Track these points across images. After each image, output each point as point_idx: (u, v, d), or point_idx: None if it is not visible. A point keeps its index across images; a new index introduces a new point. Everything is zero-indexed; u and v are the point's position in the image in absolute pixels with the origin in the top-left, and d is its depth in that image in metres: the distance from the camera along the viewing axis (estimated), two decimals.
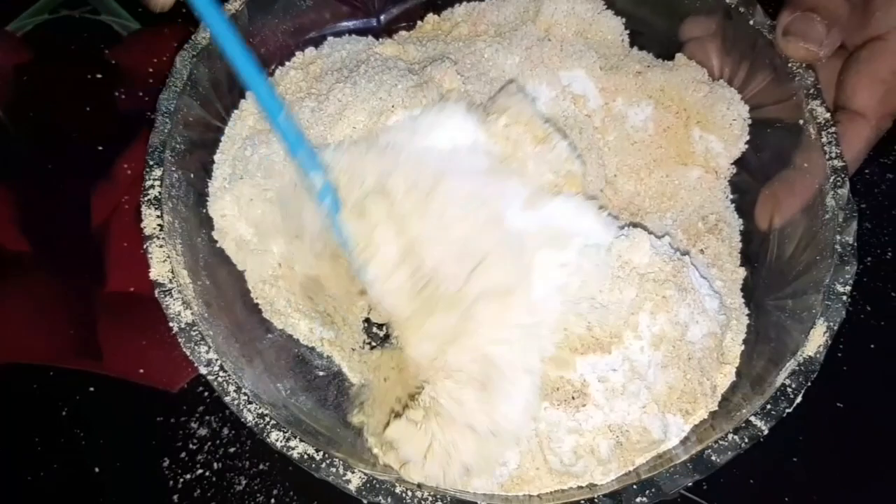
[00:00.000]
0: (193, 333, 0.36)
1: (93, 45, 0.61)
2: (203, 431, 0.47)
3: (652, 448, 0.38)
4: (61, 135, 0.57)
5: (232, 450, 0.47)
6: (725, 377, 0.41)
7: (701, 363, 0.39)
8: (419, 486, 0.36)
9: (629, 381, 0.38)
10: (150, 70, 0.59)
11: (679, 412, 0.38)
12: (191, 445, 0.47)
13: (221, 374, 0.36)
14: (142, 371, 0.49)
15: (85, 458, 0.47)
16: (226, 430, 0.47)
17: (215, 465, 0.47)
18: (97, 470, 0.47)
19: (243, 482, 0.46)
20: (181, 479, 0.46)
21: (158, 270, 0.38)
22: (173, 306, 0.37)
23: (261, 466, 0.46)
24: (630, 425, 0.37)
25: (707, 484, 0.46)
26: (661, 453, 0.38)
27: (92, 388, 0.49)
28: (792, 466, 0.47)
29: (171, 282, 0.37)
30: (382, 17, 0.52)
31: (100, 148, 0.56)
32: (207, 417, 0.48)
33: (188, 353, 0.36)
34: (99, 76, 0.60)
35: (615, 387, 0.38)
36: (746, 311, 0.44)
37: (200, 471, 0.46)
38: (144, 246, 0.38)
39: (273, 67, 0.50)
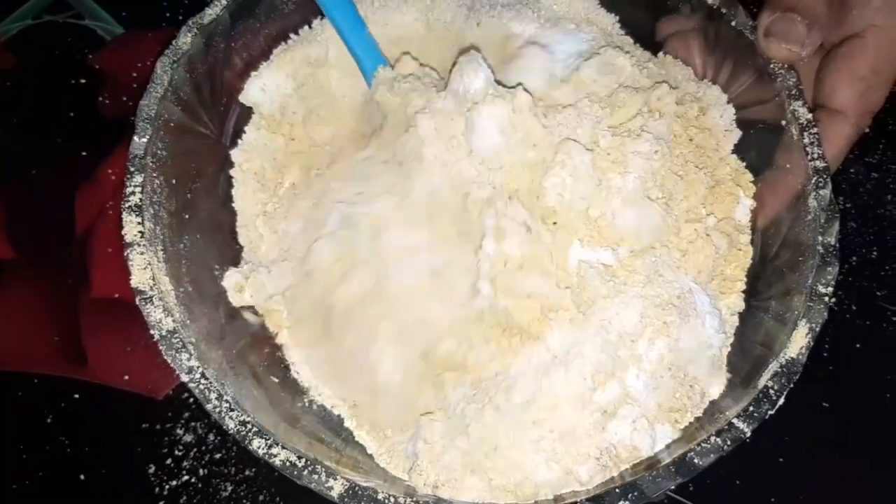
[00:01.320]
0: (174, 341, 0.36)
1: (76, 51, 0.61)
2: (189, 438, 0.47)
3: (638, 459, 0.38)
4: (45, 140, 0.57)
5: (218, 456, 0.47)
6: (718, 386, 0.41)
7: (696, 380, 0.39)
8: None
9: (621, 406, 0.37)
10: (134, 75, 0.59)
11: (668, 422, 0.38)
12: (176, 452, 0.47)
13: (203, 381, 0.36)
14: (127, 377, 0.49)
15: (70, 466, 0.47)
16: (211, 437, 0.47)
17: (201, 471, 0.46)
18: (82, 477, 0.47)
19: (229, 488, 0.46)
20: (167, 486, 0.46)
21: (139, 278, 0.38)
22: (154, 314, 0.37)
23: (247, 472, 0.46)
24: (620, 443, 0.37)
25: (693, 485, 0.46)
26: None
27: (77, 395, 0.49)
28: (778, 467, 0.47)
29: (151, 289, 0.37)
30: None
31: (84, 153, 0.56)
32: (193, 424, 0.48)
33: (169, 361, 0.36)
34: (83, 81, 0.59)
35: (605, 409, 0.38)
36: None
37: (186, 477, 0.46)
38: (125, 253, 0.38)
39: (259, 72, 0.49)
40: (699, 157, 0.44)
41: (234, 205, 0.47)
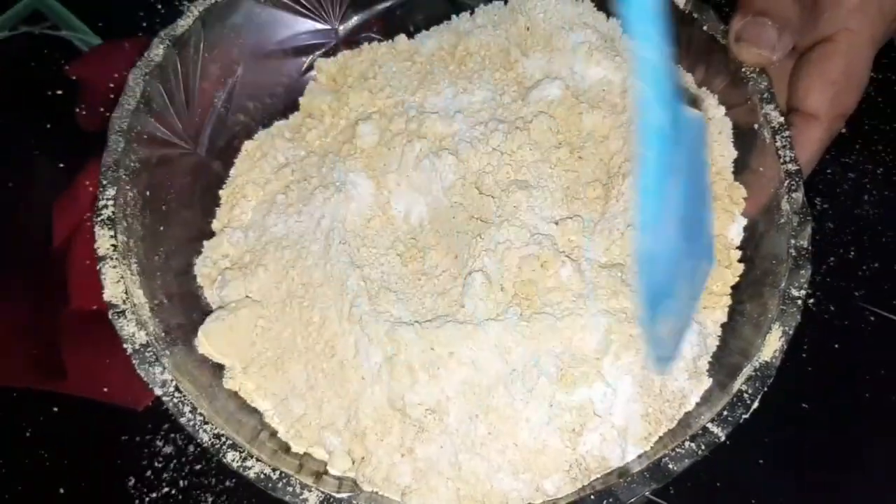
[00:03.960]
0: (147, 354, 0.36)
1: (53, 62, 0.60)
2: (168, 449, 0.47)
3: (607, 470, 0.38)
4: (22, 152, 0.57)
5: (198, 467, 0.47)
6: (696, 397, 0.40)
7: (673, 393, 0.39)
8: None
9: (588, 420, 0.37)
10: (112, 85, 0.58)
11: (641, 436, 0.38)
12: (156, 464, 0.47)
13: (177, 395, 0.36)
14: (106, 390, 0.49)
15: (50, 479, 0.47)
16: (191, 448, 0.47)
17: (181, 482, 0.46)
18: (62, 491, 0.46)
19: (210, 500, 0.46)
20: (147, 499, 0.46)
21: (112, 291, 0.38)
22: (127, 328, 0.37)
23: (227, 483, 0.46)
24: (588, 454, 0.37)
25: (673, 488, 0.46)
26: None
27: (56, 409, 0.49)
28: (758, 469, 0.47)
29: (124, 303, 0.37)
30: (341, 28, 0.52)
31: (61, 165, 0.56)
32: (173, 435, 0.47)
33: (142, 375, 0.36)
34: (59, 92, 0.59)
35: (573, 428, 0.37)
36: None
37: (166, 489, 0.46)
38: (98, 266, 0.38)
39: (233, 81, 0.49)
40: None
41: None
